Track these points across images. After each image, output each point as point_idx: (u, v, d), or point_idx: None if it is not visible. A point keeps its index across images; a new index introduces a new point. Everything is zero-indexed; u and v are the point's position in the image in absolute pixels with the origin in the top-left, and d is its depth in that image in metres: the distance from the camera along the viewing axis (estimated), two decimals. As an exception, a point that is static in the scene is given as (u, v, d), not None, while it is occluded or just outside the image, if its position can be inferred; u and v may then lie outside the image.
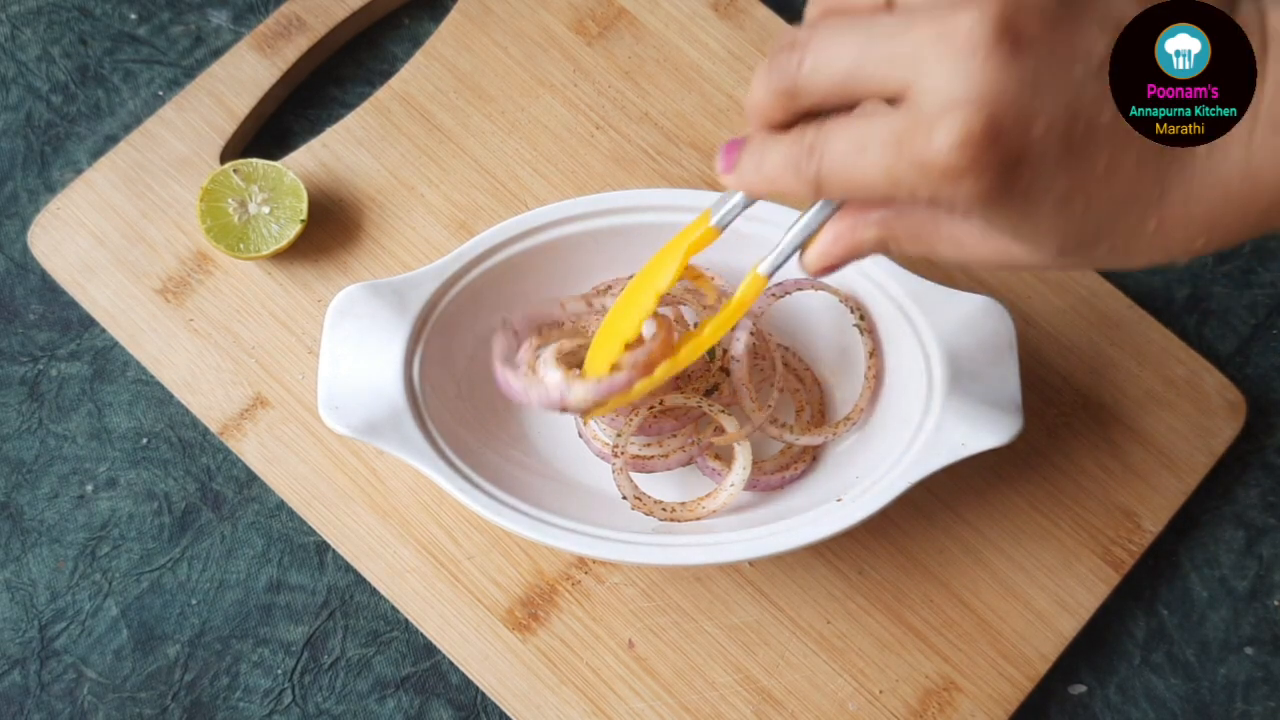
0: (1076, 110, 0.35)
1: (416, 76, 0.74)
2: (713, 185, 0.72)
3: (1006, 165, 0.35)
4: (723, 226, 0.49)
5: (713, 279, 0.62)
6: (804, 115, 0.40)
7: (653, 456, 0.63)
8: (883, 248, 0.43)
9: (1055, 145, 0.35)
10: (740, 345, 0.62)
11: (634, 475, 0.63)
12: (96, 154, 0.74)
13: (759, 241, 0.63)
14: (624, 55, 0.75)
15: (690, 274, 0.55)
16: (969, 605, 0.65)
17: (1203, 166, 0.36)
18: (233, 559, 0.67)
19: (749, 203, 0.48)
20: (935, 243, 0.41)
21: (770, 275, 0.49)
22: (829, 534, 0.57)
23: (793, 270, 0.64)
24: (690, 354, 0.53)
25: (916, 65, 0.35)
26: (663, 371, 0.53)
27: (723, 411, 0.62)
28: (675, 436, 0.64)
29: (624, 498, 0.61)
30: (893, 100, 0.36)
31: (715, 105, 0.73)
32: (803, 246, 0.46)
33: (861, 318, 0.63)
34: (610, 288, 0.65)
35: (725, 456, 0.64)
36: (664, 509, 0.62)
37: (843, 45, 0.37)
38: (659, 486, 0.64)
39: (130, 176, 0.71)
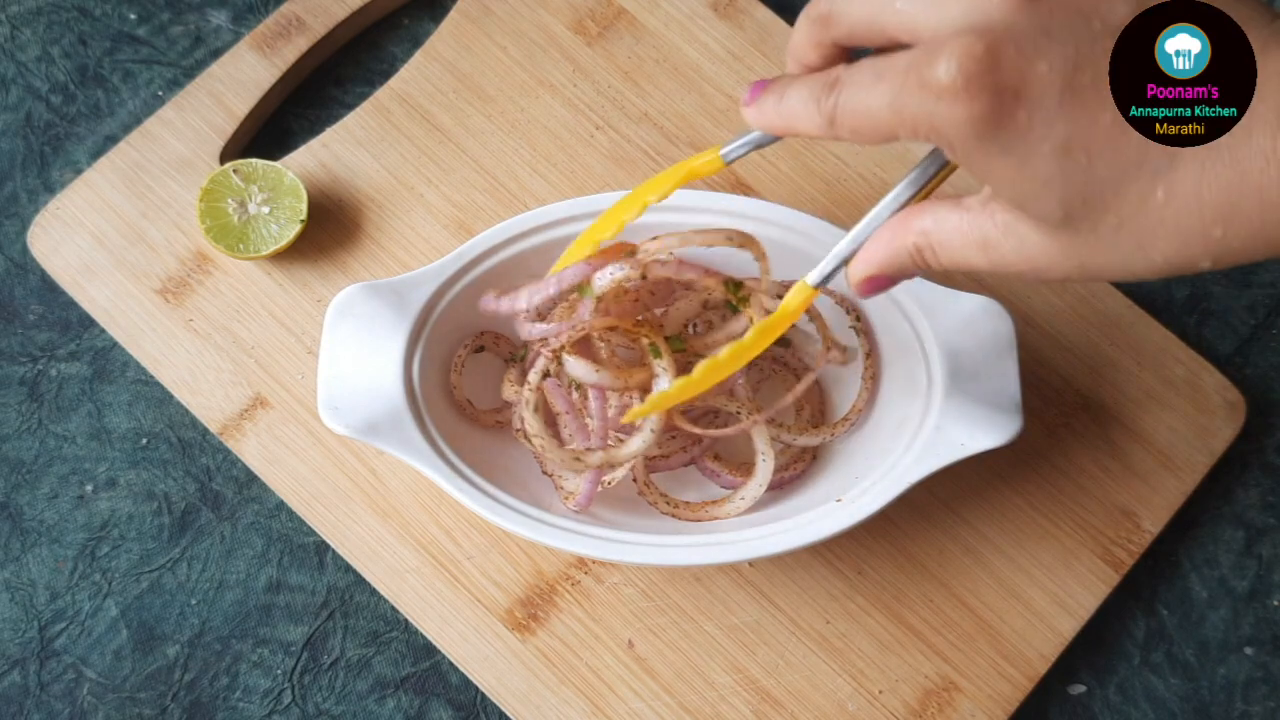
0: (1084, 60, 0.35)
1: (416, 77, 0.74)
2: (713, 186, 0.72)
3: (1003, 93, 0.35)
4: (730, 160, 0.49)
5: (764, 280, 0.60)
6: (837, 57, 0.41)
7: (654, 457, 0.63)
8: (920, 259, 0.43)
9: (1057, 87, 0.35)
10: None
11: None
12: (96, 154, 0.74)
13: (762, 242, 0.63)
14: (624, 55, 0.75)
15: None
16: (969, 605, 0.65)
17: (1222, 144, 0.36)
18: (232, 559, 0.67)
19: (762, 142, 0.48)
20: (967, 250, 0.41)
21: (819, 286, 0.49)
22: (829, 534, 0.57)
23: (788, 272, 0.64)
24: (732, 361, 0.52)
25: (941, 4, 0.37)
26: (702, 374, 0.52)
27: (742, 410, 0.62)
28: (675, 437, 0.64)
29: (634, 480, 0.61)
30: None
31: (715, 105, 0.73)
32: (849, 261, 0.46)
33: (857, 319, 0.63)
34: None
35: (725, 457, 0.64)
36: (668, 502, 0.62)
37: None
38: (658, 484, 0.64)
39: (130, 177, 0.71)
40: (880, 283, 0.45)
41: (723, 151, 0.49)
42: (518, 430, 0.64)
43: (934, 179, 0.45)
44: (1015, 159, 0.37)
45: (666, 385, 0.58)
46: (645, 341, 0.60)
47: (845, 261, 0.47)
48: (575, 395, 0.62)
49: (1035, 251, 0.40)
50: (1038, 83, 0.35)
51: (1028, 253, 0.40)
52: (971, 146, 0.37)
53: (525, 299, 0.59)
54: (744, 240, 0.57)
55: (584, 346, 0.60)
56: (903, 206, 0.45)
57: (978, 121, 0.36)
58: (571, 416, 0.61)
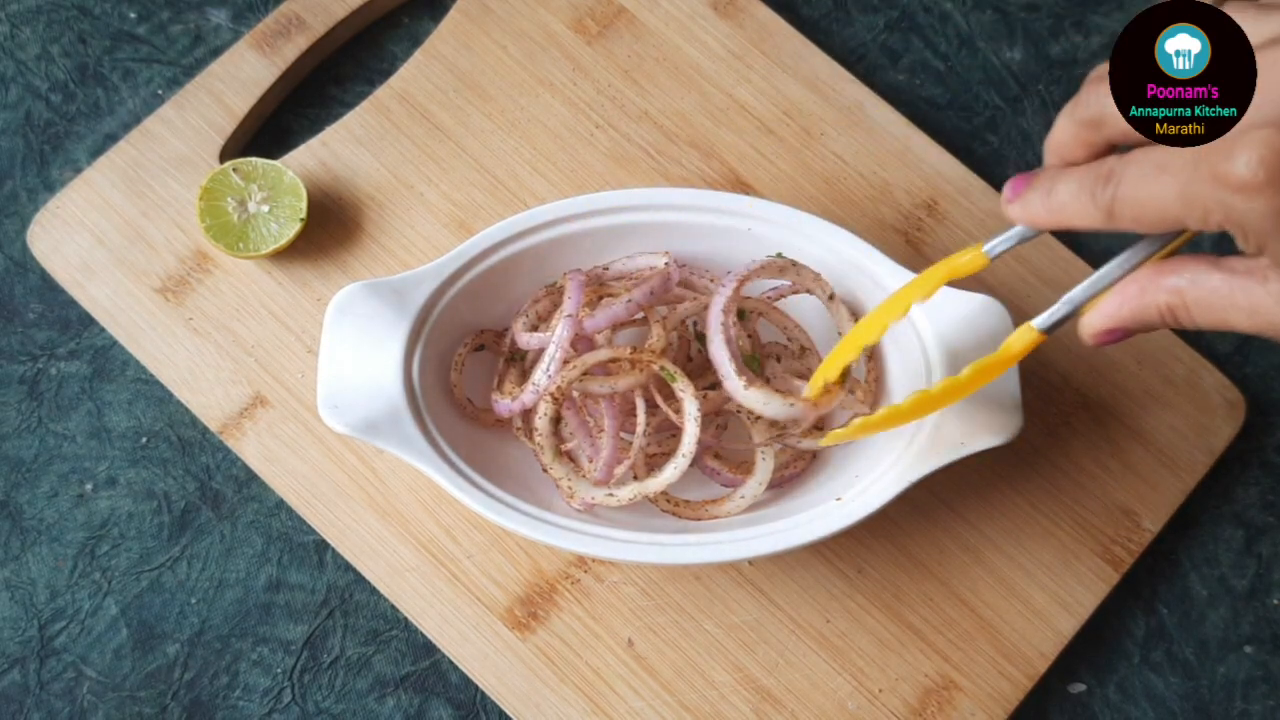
0: None
1: (416, 75, 0.74)
2: (713, 185, 0.72)
3: None
4: (993, 256, 0.49)
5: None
6: (1104, 152, 0.41)
7: (655, 454, 0.63)
8: (1171, 317, 0.42)
9: None
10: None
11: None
12: (96, 153, 0.74)
13: (758, 240, 0.63)
14: (624, 54, 0.74)
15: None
16: (968, 604, 0.65)
17: None
18: (232, 558, 0.67)
19: (1025, 236, 0.47)
20: (1229, 311, 0.40)
21: (1048, 332, 0.48)
22: (829, 533, 0.57)
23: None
24: (944, 398, 0.51)
25: None
26: (912, 405, 0.52)
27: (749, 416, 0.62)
28: (675, 436, 0.64)
29: (635, 478, 0.61)
30: None
31: (715, 104, 0.73)
32: (1083, 309, 0.45)
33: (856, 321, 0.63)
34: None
35: (726, 456, 0.64)
36: (669, 500, 0.62)
37: None
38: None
39: (129, 175, 0.71)
40: (1117, 335, 0.44)
41: (986, 248, 0.48)
42: (518, 429, 0.64)
43: (1182, 236, 0.44)
44: None
45: (691, 404, 0.59)
46: (656, 368, 0.60)
47: (1078, 309, 0.45)
48: (589, 421, 0.62)
49: None
50: None
51: None
52: (1272, 238, 0.36)
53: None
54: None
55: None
56: (1142, 261, 0.44)
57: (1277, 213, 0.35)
58: (584, 435, 0.62)
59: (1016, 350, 0.49)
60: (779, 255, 0.62)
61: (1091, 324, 0.45)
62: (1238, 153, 0.35)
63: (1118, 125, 0.40)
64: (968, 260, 0.49)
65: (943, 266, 0.50)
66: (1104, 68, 0.39)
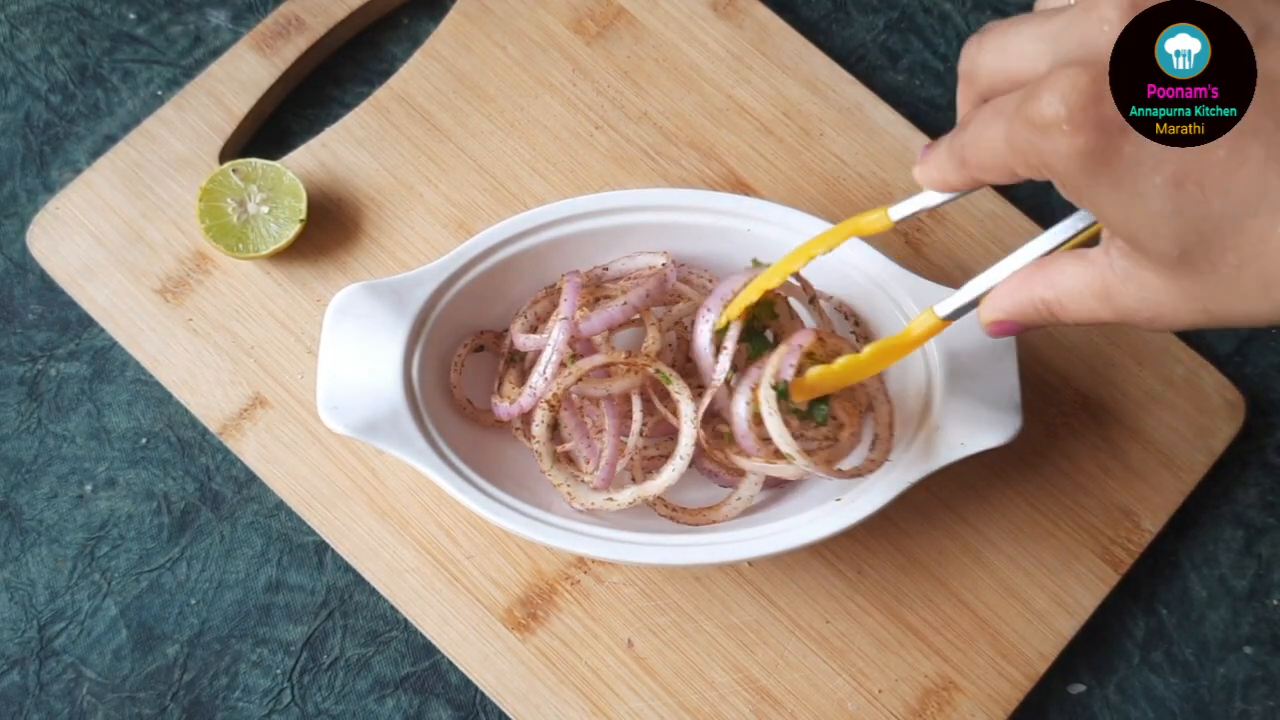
0: None
1: (416, 76, 0.74)
2: (712, 185, 0.72)
3: (1109, 125, 0.35)
4: (897, 219, 0.49)
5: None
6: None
7: (653, 457, 0.63)
8: (1047, 312, 0.42)
9: None
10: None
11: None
12: (95, 154, 0.74)
13: (755, 239, 0.63)
14: (623, 55, 0.75)
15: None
16: (968, 605, 0.65)
17: None
18: (232, 559, 0.67)
19: (926, 202, 0.47)
20: (1089, 301, 0.41)
21: (950, 319, 0.48)
22: (828, 534, 0.57)
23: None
24: (847, 374, 0.53)
25: (1057, 39, 0.37)
26: (822, 377, 0.54)
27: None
28: (673, 439, 0.64)
29: (632, 479, 0.61)
30: None
31: (714, 105, 0.73)
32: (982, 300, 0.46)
33: (856, 324, 0.63)
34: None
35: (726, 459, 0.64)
36: (666, 506, 0.62)
37: (1017, 33, 0.38)
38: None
39: (129, 176, 0.71)
40: (1009, 328, 0.45)
41: (891, 210, 0.49)
42: (517, 429, 0.64)
43: (1081, 234, 0.44)
44: (1125, 193, 0.35)
45: (688, 406, 0.59)
46: (652, 371, 0.60)
47: (976, 301, 0.46)
48: (587, 422, 0.62)
49: (1157, 296, 0.38)
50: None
51: (1150, 299, 0.39)
52: (1080, 181, 0.36)
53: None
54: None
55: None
56: (1051, 251, 0.44)
57: (1084, 155, 0.35)
58: (581, 435, 0.62)
59: (918, 334, 0.50)
60: (755, 262, 0.62)
61: (983, 315, 0.45)
62: (1042, 92, 0.35)
63: (981, 75, 0.40)
64: (873, 220, 0.50)
65: (849, 224, 0.51)
66: (991, 24, 0.40)
